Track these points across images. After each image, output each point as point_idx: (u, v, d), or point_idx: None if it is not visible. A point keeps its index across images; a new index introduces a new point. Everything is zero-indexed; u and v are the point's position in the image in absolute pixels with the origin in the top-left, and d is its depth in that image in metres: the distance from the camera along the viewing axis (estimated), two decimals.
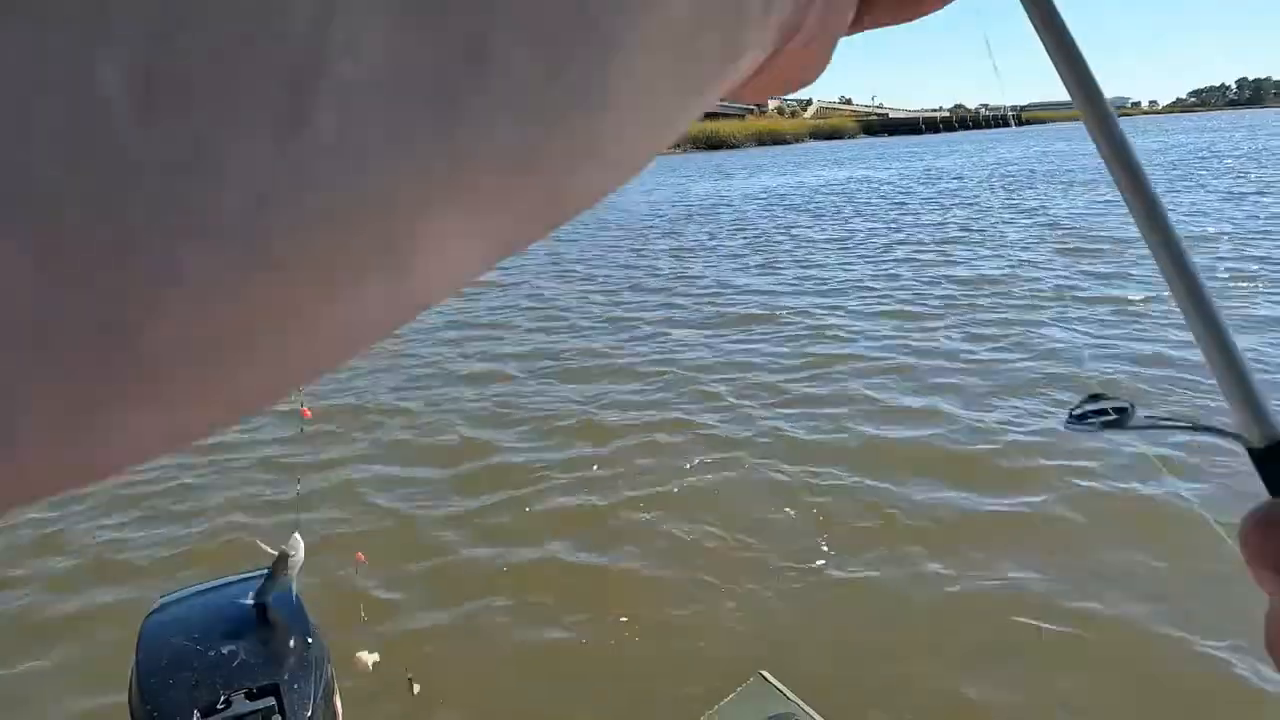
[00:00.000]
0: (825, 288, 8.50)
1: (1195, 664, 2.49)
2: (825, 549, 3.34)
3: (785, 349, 6.25)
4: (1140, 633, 2.66)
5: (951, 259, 9.63)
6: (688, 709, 1.47)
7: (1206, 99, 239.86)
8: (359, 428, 4.89)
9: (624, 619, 3.03)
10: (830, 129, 77.18)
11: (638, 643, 2.89)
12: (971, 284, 8.06)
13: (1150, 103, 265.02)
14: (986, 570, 3.08)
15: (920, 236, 11.68)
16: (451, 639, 2.89)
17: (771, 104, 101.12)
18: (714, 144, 60.74)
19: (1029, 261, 9.11)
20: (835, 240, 12.00)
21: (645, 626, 2.97)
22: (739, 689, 1.48)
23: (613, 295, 8.71)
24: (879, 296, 7.83)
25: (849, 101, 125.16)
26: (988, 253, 10.02)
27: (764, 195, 20.48)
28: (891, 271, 9.14)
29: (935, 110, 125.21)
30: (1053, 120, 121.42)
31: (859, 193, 19.81)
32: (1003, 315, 6.73)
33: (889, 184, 22.02)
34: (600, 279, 9.81)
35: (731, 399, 5.19)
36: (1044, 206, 14.44)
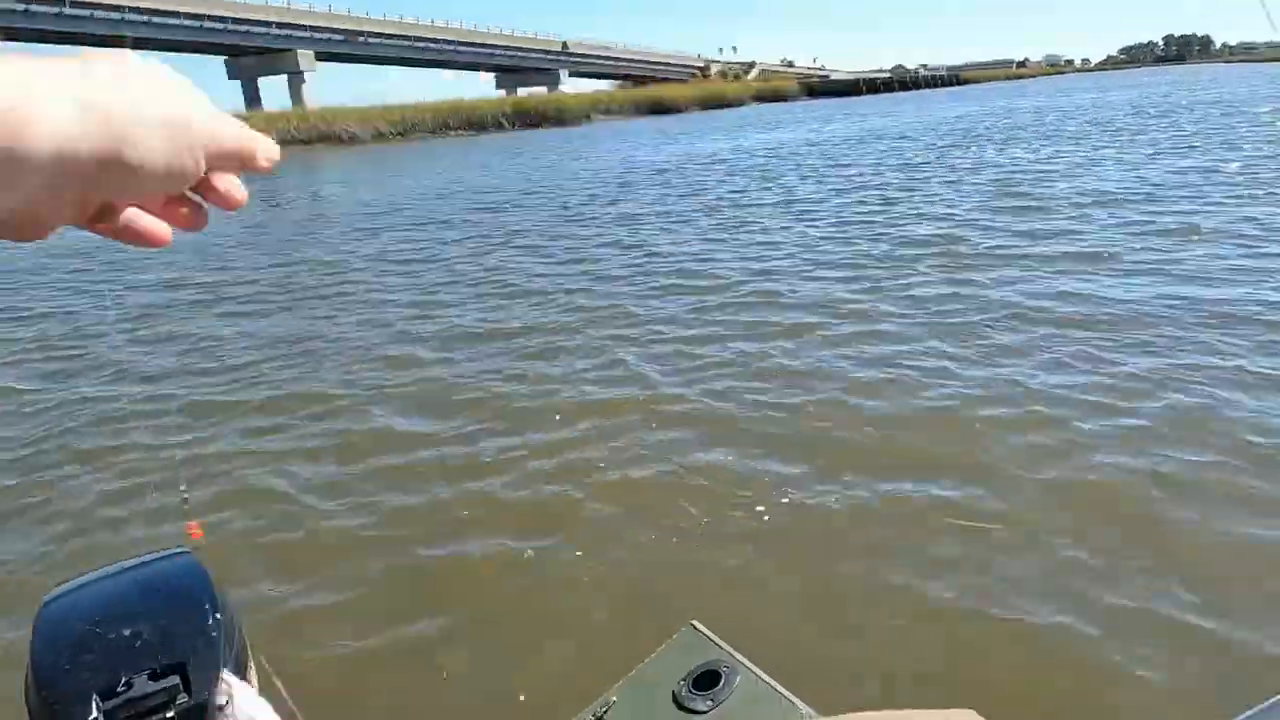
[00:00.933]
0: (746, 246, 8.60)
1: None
2: (754, 500, 3.41)
3: (718, 309, 6.31)
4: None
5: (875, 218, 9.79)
6: (617, 665, 1.43)
7: (1136, 55, 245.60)
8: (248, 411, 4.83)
9: (550, 573, 3.02)
10: (773, 91, 77.08)
11: (567, 598, 2.87)
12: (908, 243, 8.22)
13: (1083, 60, 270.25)
14: (920, 517, 3.20)
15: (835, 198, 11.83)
16: (342, 612, 2.86)
17: (714, 68, 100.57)
18: (659, 109, 60.27)
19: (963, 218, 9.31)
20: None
21: (571, 581, 2.96)
22: (669, 640, 1.45)
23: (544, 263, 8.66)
24: (806, 258, 7.93)
25: (791, 64, 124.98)
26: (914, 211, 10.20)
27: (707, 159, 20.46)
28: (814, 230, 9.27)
29: (877, 71, 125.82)
30: (988, 80, 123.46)
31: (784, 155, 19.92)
32: (928, 276, 6.90)
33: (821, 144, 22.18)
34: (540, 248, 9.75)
35: (649, 351, 5.26)
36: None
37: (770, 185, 14.12)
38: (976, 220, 9.04)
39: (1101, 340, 4.82)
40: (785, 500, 3.37)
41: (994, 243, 7.80)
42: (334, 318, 7.05)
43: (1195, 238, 7.24)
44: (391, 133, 44.76)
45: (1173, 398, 3.96)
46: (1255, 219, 7.72)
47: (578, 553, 3.16)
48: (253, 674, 1.16)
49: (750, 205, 11.96)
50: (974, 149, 17.71)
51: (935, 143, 20.11)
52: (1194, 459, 3.38)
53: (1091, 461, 3.45)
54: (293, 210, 16.56)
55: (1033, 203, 9.82)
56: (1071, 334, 4.97)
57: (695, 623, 1.49)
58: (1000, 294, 5.96)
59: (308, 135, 42.26)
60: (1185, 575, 2.66)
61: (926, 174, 13.86)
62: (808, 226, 9.77)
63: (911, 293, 6.26)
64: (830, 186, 13.28)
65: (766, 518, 3.27)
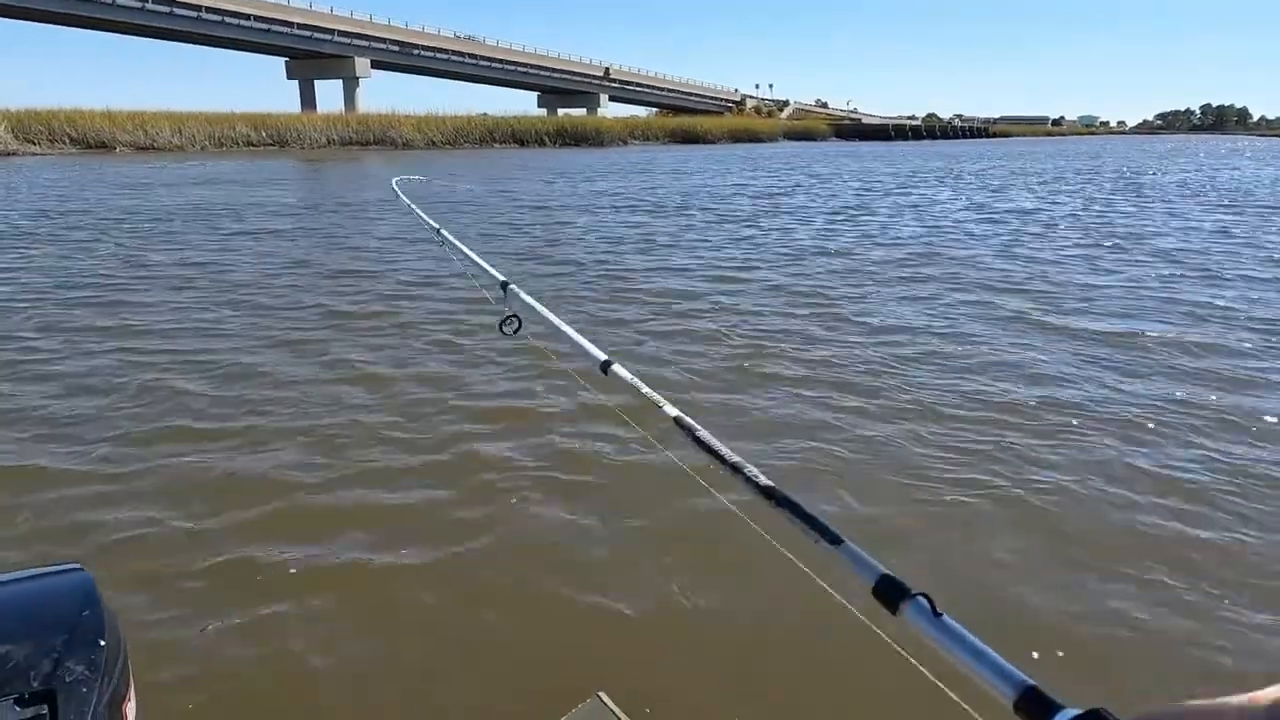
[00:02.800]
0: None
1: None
2: (667, 564, 3.04)
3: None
4: None
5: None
6: None
7: (1171, 122, 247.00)
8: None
9: (446, 629, 2.66)
10: (804, 130, 79.80)
11: (463, 655, 2.55)
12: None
13: (1119, 122, 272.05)
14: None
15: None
16: (216, 661, 2.49)
17: (750, 103, 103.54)
18: (691, 138, 62.98)
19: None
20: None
21: (470, 638, 2.62)
22: (573, 710, 1.41)
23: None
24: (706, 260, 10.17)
25: (825, 104, 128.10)
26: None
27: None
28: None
29: (910, 118, 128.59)
30: (1019, 134, 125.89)
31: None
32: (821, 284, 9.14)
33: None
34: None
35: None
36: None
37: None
38: None
39: None
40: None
41: None
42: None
43: None
44: (442, 141, 47.73)
45: None
46: None
47: (480, 608, 2.79)
48: (131, 707, 1.08)
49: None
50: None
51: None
52: None
53: None
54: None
55: None
56: None
57: (601, 694, 1.43)
58: None
59: (364, 138, 45.31)
60: None
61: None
62: None
63: None
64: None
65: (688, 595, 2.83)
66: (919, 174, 28.49)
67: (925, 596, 0.53)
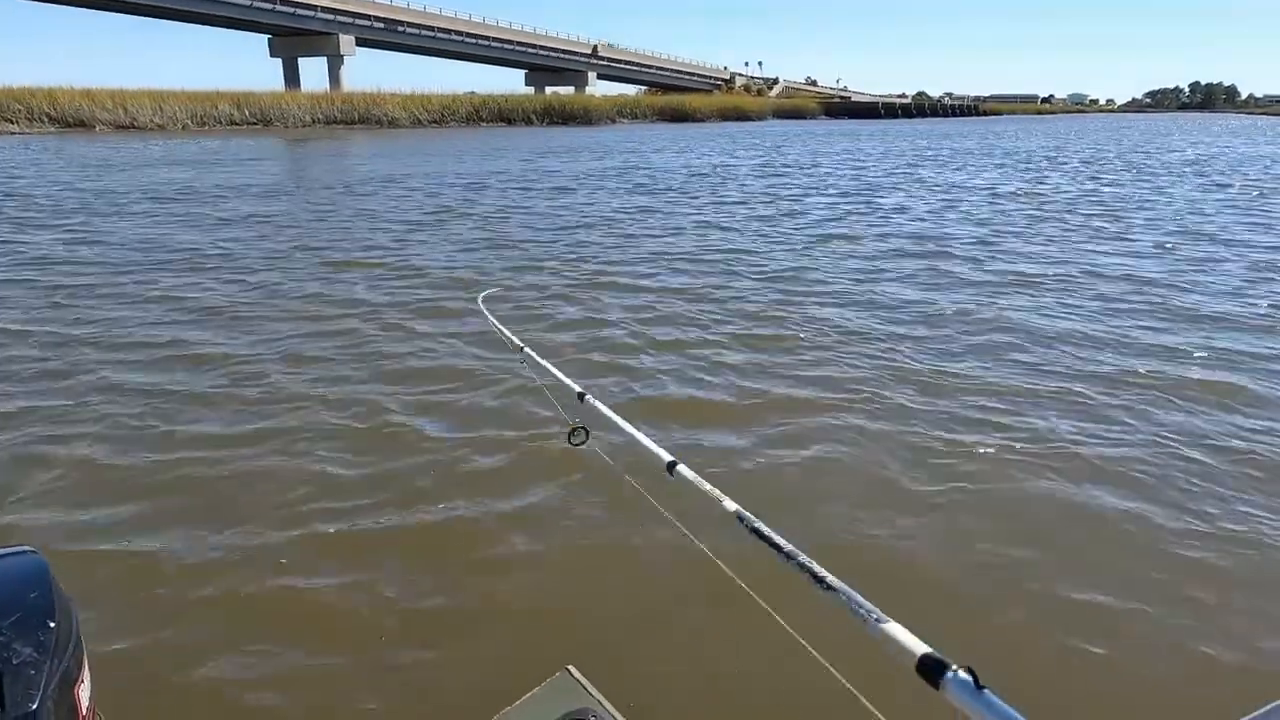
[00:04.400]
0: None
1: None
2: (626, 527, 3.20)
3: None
4: None
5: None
6: (481, 708, 1.40)
7: (1160, 100, 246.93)
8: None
9: (417, 602, 2.76)
10: (793, 108, 79.41)
11: (441, 628, 2.64)
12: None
13: (1108, 100, 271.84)
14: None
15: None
16: (174, 650, 2.51)
17: (739, 81, 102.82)
18: (680, 116, 62.58)
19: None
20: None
21: (438, 615, 2.70)
22: (541, 685, 1.42)
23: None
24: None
25: (814, 83, 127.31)
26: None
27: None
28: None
29: (900, 96, 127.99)
30: (1010, 113, 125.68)
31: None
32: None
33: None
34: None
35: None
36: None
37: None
38: None
39: None
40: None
41: None
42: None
43: None
44: (427, 120, 47.22)
45: None
46: None
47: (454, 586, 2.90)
48: (84, 689, 1.06)
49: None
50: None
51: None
52: None
53: None
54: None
55: None
56: None
57: (570, 668, 1.43)
58: None
59: (349, 117, 44.76)
60: None
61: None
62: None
63: None
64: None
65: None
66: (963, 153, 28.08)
67: (970, 671, 0.55)
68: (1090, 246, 9.74)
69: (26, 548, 1.22)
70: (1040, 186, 17.27)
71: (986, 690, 0.54)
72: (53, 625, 1.04)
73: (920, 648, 0.62)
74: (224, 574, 2.96)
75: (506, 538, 3.23)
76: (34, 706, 0.94)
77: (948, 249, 9.62)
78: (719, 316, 6.52)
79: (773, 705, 2.30)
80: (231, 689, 2.37)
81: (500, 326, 2.11)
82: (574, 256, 9.18)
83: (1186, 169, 21.57)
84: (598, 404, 1.51)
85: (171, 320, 6.36)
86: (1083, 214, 12.66)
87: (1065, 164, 23.53)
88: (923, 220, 12.17)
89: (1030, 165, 23.37)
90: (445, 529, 3.32)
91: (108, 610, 2.71)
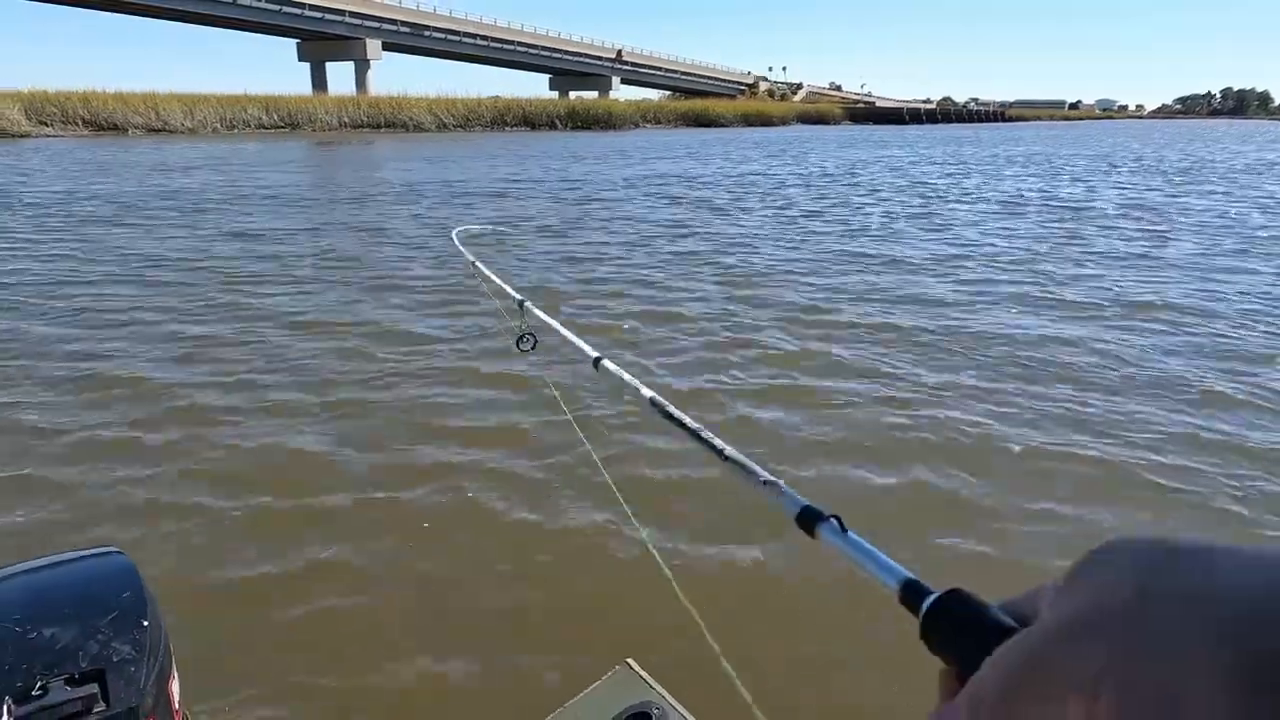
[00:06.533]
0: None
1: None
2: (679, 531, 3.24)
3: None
4: None
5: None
6: (544, 701, 1.41)
7: (1191, 106, 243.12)
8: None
9: (484, 599, 2.81)
10: (817, 113, 79.01)
11: (502, 624, 2.69)
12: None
13: (1137, 106, 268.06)
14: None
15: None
16: (244, 635, 2.63)
17: (763, 86, 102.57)
18: (703, 122, 62.49)
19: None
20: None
21: (506, 609, 2.77)
22: (601, 679, 1.42)
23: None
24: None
25: (839, 88, 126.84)
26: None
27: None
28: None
29: (925, 101, 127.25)
30: (1035, 118, 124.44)
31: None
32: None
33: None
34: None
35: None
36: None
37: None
38: None
39: None
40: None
41: None
42: None
43: None
44: (453, 124, 47.51)
45: None
46: None
47: (516, 577, 2.98)
48: (175, 686, 1.10)
49: None
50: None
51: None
52: None
53: None
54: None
55: None
56: None
57: (630, 660, 1.44)
58: None
59: (375, 121, 45.17)
60: None
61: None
62: None
63: None
64: None
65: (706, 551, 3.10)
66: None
67: (836, 518, 0.60)
68: None
69: (113, 549, 1.26)
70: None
71: (851, 532, 0.58)
72: (146, 624, 1.09)
73: (801, 502, 0.65)
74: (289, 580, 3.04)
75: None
76: (136, 703, 0.99)
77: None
78: None
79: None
80: (296, 683, 2.45)
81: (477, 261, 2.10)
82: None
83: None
84: (536, 310, 1.62)
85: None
86: None
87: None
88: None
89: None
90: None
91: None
